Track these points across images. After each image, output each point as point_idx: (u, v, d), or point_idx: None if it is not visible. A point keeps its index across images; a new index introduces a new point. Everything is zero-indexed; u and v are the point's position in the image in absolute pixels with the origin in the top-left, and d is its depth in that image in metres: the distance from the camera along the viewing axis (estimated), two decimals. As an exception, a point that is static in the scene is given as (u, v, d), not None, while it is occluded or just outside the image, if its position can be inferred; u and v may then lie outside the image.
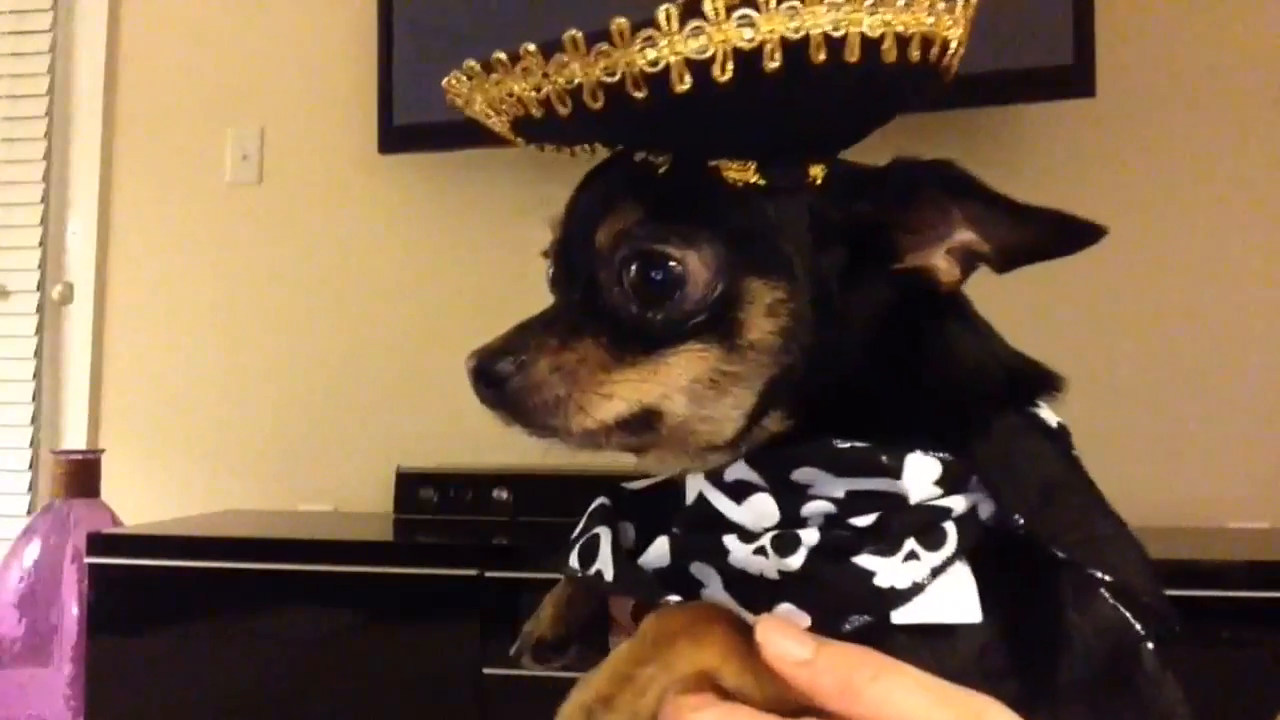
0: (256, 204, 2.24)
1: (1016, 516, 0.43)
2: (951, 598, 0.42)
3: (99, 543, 1.61)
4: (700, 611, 0.44)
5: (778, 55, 0.41)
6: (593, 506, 0.52)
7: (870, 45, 0.42)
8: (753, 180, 0.45)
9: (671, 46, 0.41)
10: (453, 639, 1.55)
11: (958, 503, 0.43)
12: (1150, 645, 0.45)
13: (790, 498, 0.43)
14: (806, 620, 0.41)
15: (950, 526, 0.43)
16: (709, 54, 0.41)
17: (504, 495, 1.91)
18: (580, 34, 0.43)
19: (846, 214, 0.46)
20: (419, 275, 2.15)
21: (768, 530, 0.43)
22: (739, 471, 0.45)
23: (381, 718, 1.57)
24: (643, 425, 0.46)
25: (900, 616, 0.41)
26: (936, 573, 0.41)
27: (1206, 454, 1.78)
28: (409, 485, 2.00)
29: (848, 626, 0.41)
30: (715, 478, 0.45)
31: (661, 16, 0.41)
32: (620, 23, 0.42)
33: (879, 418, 0.44)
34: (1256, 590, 1.32)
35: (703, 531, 0.45)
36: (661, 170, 0.46)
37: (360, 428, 2.15)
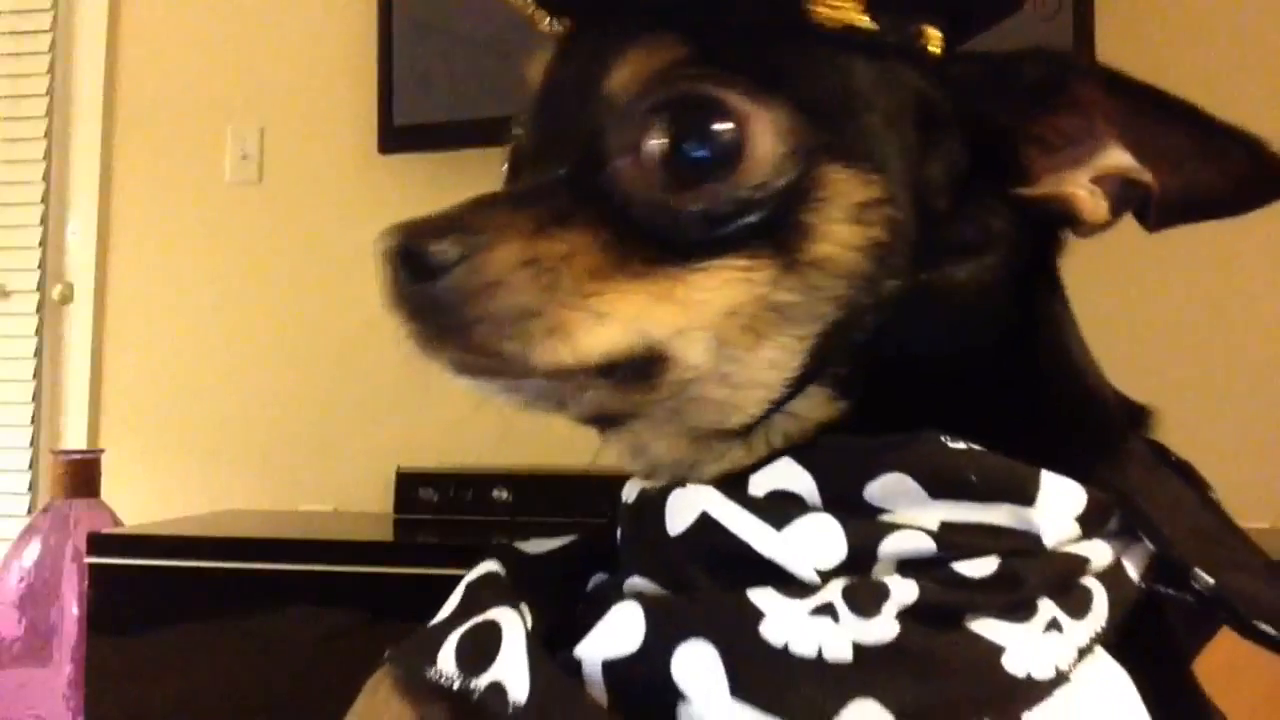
0: (256, 204, 2.24)
1: (1195, 569, 0.29)
2: (1104, 694, 0.27)
3: (99, 543, 1.61)
4: None
5: None
6: (474, 577, 0.32)
7: None
8: (854, 21, 0.30)
9: None
10: (453, 639, 1.55)
11: (1100, 552, 0.30)
12: None
13: (862, 524, 0.28)
14: None
15: (1095, 585, 0.29)
16: None
17: (504, 495, 1.91)
18: None
19: (966, 107, 0.33)
20: (419, 275, 2.14)
21: (828, 575, 0.27)
22: (779, 476, 0.28)
23: (381, 718, 1.57)
24: (637, 374, 0.30)
25: (1033, 715, 0.27)
26: (1083, 653, 0.28)
27: (1207, 454, 1.78)
28: (409, 485, 2.00)
29: None
30: (733, 488, 0.29)
31: None
32: None
33: (970, 422, 0.29)
34: (1256, 590, 1.32)
35: (709, 581, 0.28)
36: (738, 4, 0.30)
37: (360, 428, 2.15)
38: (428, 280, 0.30)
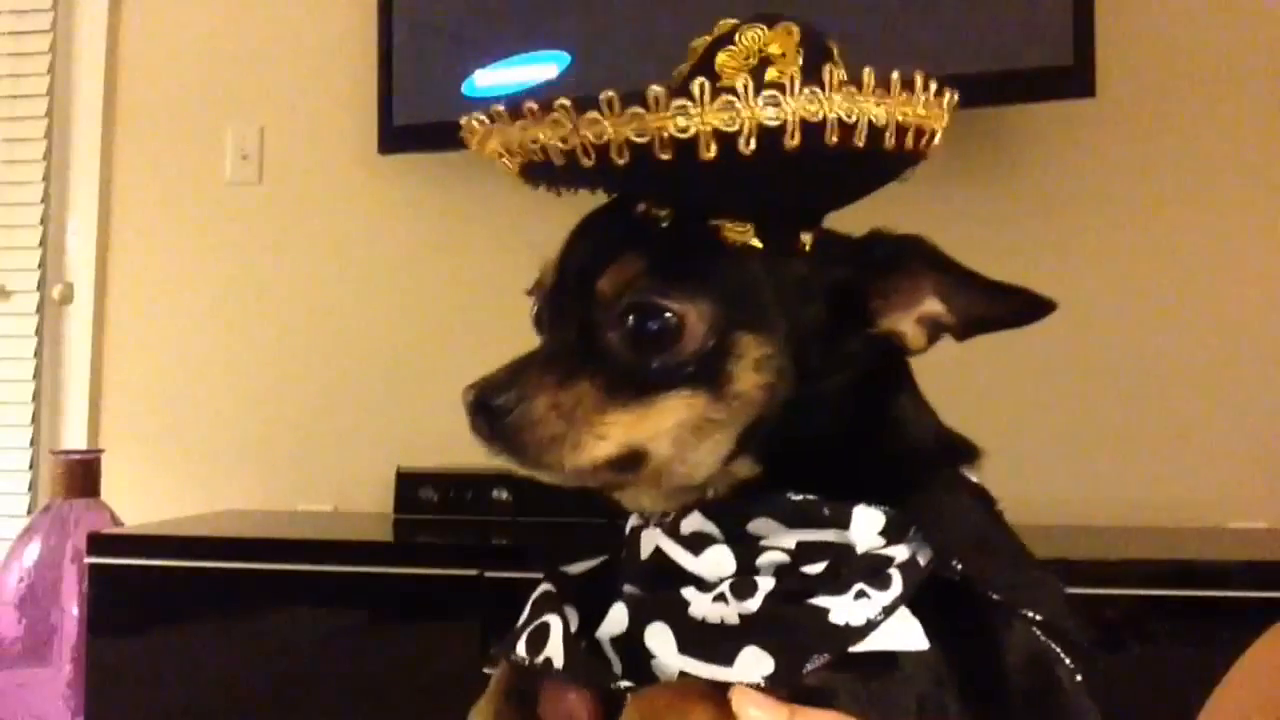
0: (256, 204, 2.24)
1: (955, 563, 0.46)
2: (900, 631, 0.44)
3: (99, 543, 1.61)
4: (682, 688, 0.45)
5: (797, 135, 0.44)
6: (537, 594, 0.53)
7: (875, 131, 0.45)
8: (751, 241, 0.48)
9: (703, 117, 0.44)
10: (453, 639, 1.55)
11: (900, 551, 0.46)
12: (1079, 678, 0.48)
13: (745, 548, 0.46)
14: (769, 665, 0.43)
15: (895, 572, 0.45)
16: (735, 128, 0.44)
17: (504, 495, 1.91)
18: (616, 95, 0.45)
19: (830, 279, 0.50)
20: (419, 275, 2.15)
21: (724, 580, 0.46)
22: (695, 524, 0.48)
23: (381, 718, 1.57)
24: (628, 464, 0.48)
25: (856, 648, 0.44)
26: (888, 611, 0.44)
27: (1206, 454, 1.78)
28: (409, 485, 2.00)
29: (809, 666, 0.43)
30: (672, 531, 0.48)
31: (696, 89, 0.44)
32: (656, 90, 0.45)
33: (833, 473, 0.48)
34: (1256, 590, 1.32)
35: (661, 587, 0.47)
36: (664, 224, 0.49)
37: (360, 428, 2.15)
38: (496, 420, 0.47)
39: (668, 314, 0.47)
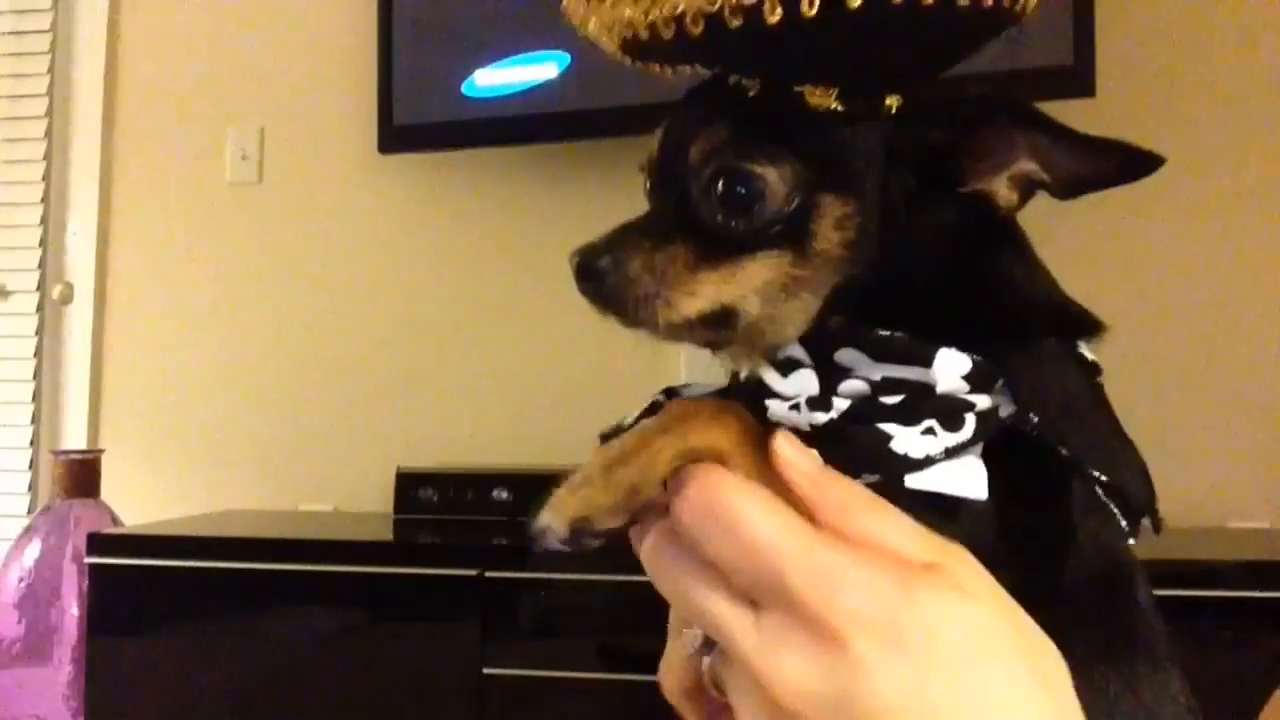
0: (256, 204, 2.24)
1: (1031, 415, 0.46)
2: (962, 476, 0.45)
3: (99, 543, 1.62)
4: (724, 404, 0.47)
5: None
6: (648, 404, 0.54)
7: None
8: (832, 106, 0.49)
9: None
10: (453, 639, 1.55)
11: (982, 400, 0.46)
12: (1130, 541, 0.48)
13: (831, 374, 0.47)
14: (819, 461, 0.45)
15: (970, 417, 0.45)
16: None
17: (504, 495, 1.91)
18: None
19: (918, 141, 0.50)
20: (419, 275, 2.15)
21: (805, 396, 0.47)
22: (789, 350, 0.49)
23: (381, 718, 1.57)
24: (720, 322, 0.50)
25: (911, 482, 0.44)
26: (951, 453, 0.45)
27: (1206, 454, 1.78)
28: (409, 485, 2.00)
29: (859, 477, 0.44)
30: (770, 357, 0.49)
31: None
32: None
33: (929, 319, 0.47)
34: (1256, 590, 1.32)
35: (750, 398, 0.48)
36: (751, 94, 0.50)
37: (360, 428, 2.15)
38: (598, 280, 0.50)
39: (750, 176, 0.49)
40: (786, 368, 0.48)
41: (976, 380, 0.46)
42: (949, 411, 0.45)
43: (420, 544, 1.82)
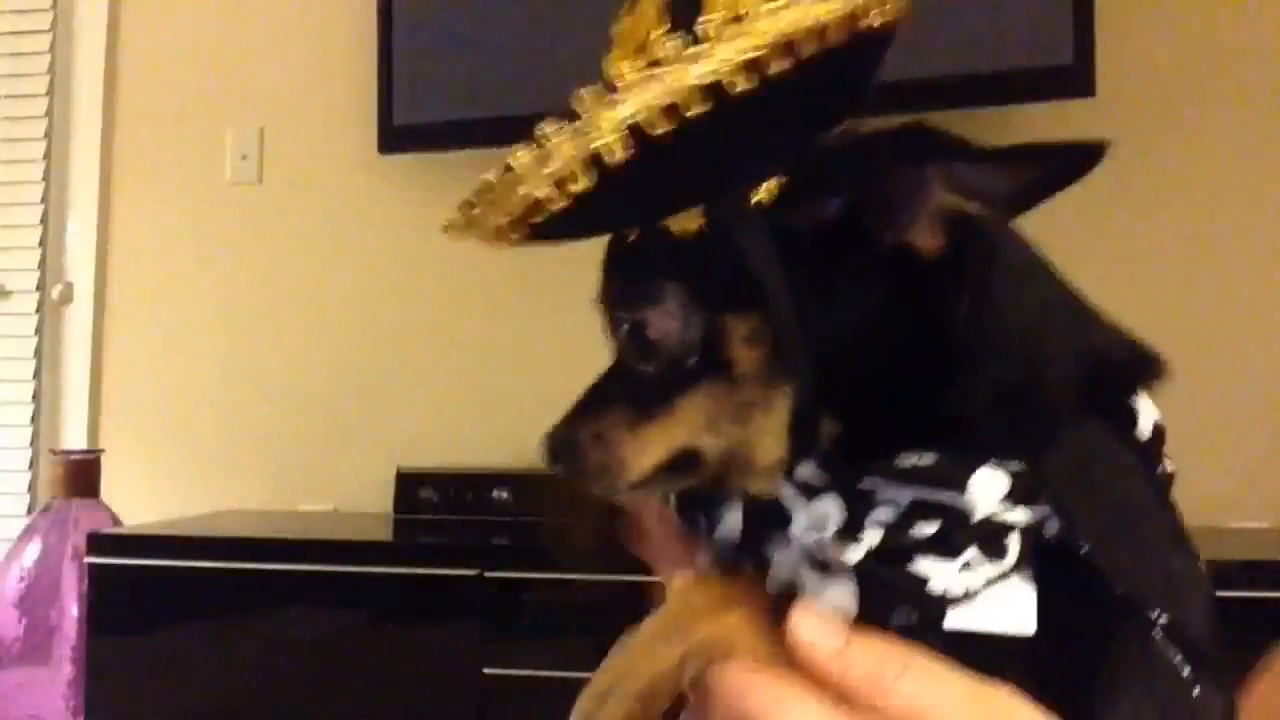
0: (256, 204, 2.24)
1: (1082, 543, 0.42)
2: (1005, 608, 0.42)
3: (99, 543, 1.62)
4: (729, 585, 0.44)
5: (660, 124, 0.42)
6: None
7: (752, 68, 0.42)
8: (696, 226, 0.46)
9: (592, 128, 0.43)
10: (453, 639, 1.55)
11: (1022, 516, 0.42)
12: (1196, 690, 0.43)
13: (856, 502, 0.44)
14: (853, 608, 0.42)
15: (1013, 541, 0.42)
16: (600, 143, 0.43)
17: (504, 495, 1.91)
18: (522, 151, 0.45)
19: (811, 218, 0.46)
20: (419, 275, 2.15)
21: (830, 528, 0.44)
22: (807, 473, 0.45)
23: (381, 718, 1.57)
24: (688, 464, 0.48)
25: (952, 621, 0.41)
26: (991, 583, 0.42)
27: (1206, 454, 1.78)
28: (409, 485, 2.00)
29: (895, 622, 0.41)
30: (788, 474, 0.46)
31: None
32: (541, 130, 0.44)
33: (933, 415, 0.44)
34: (1256, 590, 1.32)
35: (768, 524, 0.46)
36: (628, 240, 0.49)
37: (360, 428, 2.15)
38: (562, 461, 0.50)
39: (640, 321, 0.47)
40: (807, 491, 0.45)
41: (1017, 495, 0.42)
42: (989, 538, 0.42)
43: (420, 544, 1.82)
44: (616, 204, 0.45)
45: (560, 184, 0.44)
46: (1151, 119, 1.84)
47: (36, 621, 1.62)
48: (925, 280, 0.45)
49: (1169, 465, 0.51)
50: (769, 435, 0.46)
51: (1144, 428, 0.48)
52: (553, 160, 0.43)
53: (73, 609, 1.62)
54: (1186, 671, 0.43)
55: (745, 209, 0.45)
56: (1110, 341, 0.49)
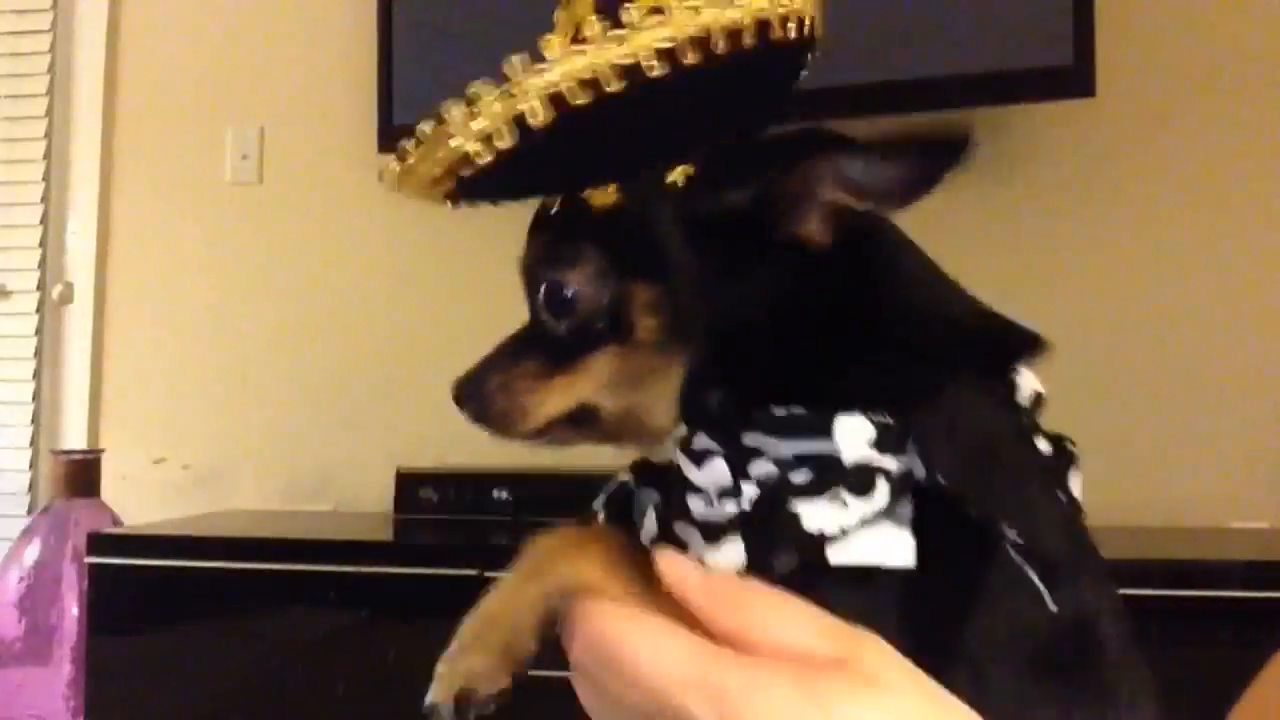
0: (256, 204, 2.24)
1: (939, 477, 0.45)
2: (885, 544, 0.44)
3: (99, 543, 1.62)
4: (585, 532, 0.48)
5: (580, 96, 0.46)
6: (612, 488, 0.55)
7: (670, 55, 0.45)
8: (613, 200, 0.50)
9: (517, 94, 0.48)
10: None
11: (891, 463, 0.45)
12: (1049, 599, 0.45)
13: (740, 459, 0.47)
14: (743, 557, 0.45)
15: (881, 482, 0.45)
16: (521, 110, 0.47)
17: (504, 495, 1.91)
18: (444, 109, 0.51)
19: (717, 204, 0.50)
20: (419, 275, 2.15)
21: (721, 487, 0.47)
22: (701, 441, 0.48)
23: (381, 718, 1.57)
24: (584, 420, 0.53)
25: (834, 557, 0.44)
26: (865, 523, 0.44)
27: (1206, 454, 1.78)
28: (409, 485, 2.00)
29: (779, 562, 0.44)
30: (685, 447, 0.49)
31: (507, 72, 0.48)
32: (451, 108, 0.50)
33: (818, 384, 0.48)
34: (1256, 590, 1.32)
35: (679, 493, 0.49)
36: (553, 210, 0.54)
37: (360, 428, 2.15)
38: (468, 404, 0.55)
39: (557, 281, 0.52)
40: (700, 458, 0.48)
41: (885, 443, 0.45)
42: (859, 481, 0.44)
43: (420, 544, 1.82)
44: (538, 166, 0.49)
45: (487, 140, 0.48)
46: (1151, 119, 1.84)
47: (36, 621, 1.62)
48: (816, 266, 0.50)
49: (1045, 427, 0.52)
50: (662, 400, 0.51)
51: (1024, 395, 0.50)
52: (481, 117, 0.48)
53: (73, 609, 1.62)
54: (1038, 581, 0.45)
55: (658, 188, 0.50)
56: (985, 320, 0.52)
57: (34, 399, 2.32)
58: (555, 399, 0.52)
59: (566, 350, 0.52)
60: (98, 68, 2.32)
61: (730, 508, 0.45)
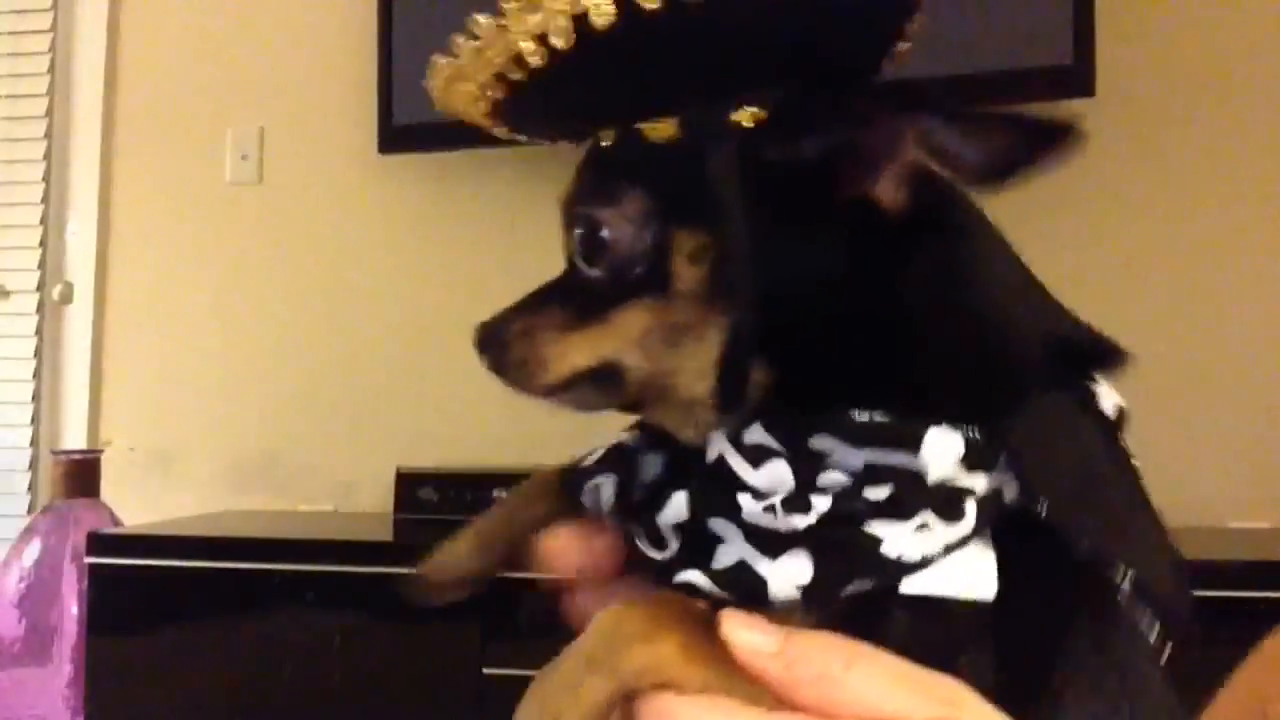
0: (256, 204, 2.24)
1: (1041, 504, 0.41)
2: (964, 574, 0.40)
3: (99, 543, 1.62)
4: (663, 610, 0.41)
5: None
6: (612, 444, 0.51)
7: None
8: (671, 135, 0.46)
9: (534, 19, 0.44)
10: (453, 639, 1.55)
11: (980, 482, 0.41)
12: (1163, 651, 0.42)
13: (807, 465, 0.41)
14: (808, 575, 0.40)
15: (970, 506, 0.40)
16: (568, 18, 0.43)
17: (504, 495, 1.91)
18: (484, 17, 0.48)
19: (786, 153, 0.45)
20: (419, 275, 2.15)
21: (781, 494, 0.42)
22: (756, 436, 0.43)
23: (381, 718, 1.57)
24: (607, 379, 0.47)
25: (908, 587, 0.40)
26: (950, 549, 0.40)
27: (1206, 454, 1.78)
28: (409, 485, 2.00)
29: (849, 589, 0.40)
30: (735, 440, 0.44)
31: None
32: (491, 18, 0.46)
33: (906, 385, 0.42)
34: (1256, 590, 1.32)
35: (718, 491, 0.43)
36: (604, 143, 0.48)
37: (360, 428, 2.15)
38: (488, 351, 0.51)
39: (593, 220, 0.47)
40: (757, 456, 0.42)
41: (974, 460, 0.41)
42: (945, 502, 0.40)
43: (420, 544, 1.81)
44: (591, 84, 0.46)
45: (542, 39, 0.44)
46: (1151, 119, 1.84)
47: (36, 621, 1.62)
48: (886, 237, 0.44)
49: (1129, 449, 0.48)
50: (696, 365, 0.45)
51: (1106, 408, 0.46)
52: (542, 10, 0.44)
53: (73, 609, 1.62)
54: (1155, 631, 0.42)
55: (722, 126, 0.45)
56: (1070, 325, 0.48)
57: (34, 399, 2.32)
58: (579, 352, 0.47)
59: (598, 300, 0.47)
60: (98, 68, 2.32)
61: (797, 520, 0.40)
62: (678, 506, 0.44)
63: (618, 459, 0.50)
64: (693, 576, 0.42)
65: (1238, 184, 1.83)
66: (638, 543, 0.47)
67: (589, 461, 0.51)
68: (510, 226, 2.03)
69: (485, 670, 1.51)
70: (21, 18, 2.35)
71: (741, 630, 0.38)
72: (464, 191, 2.10)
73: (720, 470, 0.43)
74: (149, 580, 1.64)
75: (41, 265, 2.32)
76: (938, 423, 0.40)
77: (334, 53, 2.18)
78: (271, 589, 1.62)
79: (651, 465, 0.49)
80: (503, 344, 0.50)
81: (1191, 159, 1.84)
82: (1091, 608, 0.41)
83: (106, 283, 2.31)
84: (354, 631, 1.61)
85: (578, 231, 0.48)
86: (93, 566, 1.59)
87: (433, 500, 1.97)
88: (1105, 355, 0.48)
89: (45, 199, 2.33)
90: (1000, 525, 0.41)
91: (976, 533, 0.40)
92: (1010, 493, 0.41)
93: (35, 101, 2.34)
